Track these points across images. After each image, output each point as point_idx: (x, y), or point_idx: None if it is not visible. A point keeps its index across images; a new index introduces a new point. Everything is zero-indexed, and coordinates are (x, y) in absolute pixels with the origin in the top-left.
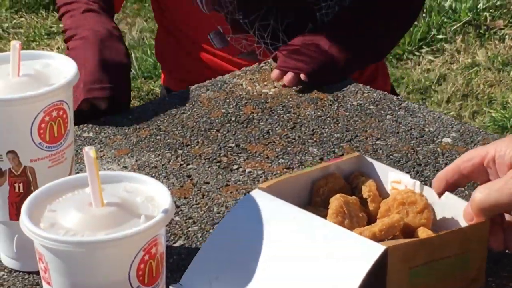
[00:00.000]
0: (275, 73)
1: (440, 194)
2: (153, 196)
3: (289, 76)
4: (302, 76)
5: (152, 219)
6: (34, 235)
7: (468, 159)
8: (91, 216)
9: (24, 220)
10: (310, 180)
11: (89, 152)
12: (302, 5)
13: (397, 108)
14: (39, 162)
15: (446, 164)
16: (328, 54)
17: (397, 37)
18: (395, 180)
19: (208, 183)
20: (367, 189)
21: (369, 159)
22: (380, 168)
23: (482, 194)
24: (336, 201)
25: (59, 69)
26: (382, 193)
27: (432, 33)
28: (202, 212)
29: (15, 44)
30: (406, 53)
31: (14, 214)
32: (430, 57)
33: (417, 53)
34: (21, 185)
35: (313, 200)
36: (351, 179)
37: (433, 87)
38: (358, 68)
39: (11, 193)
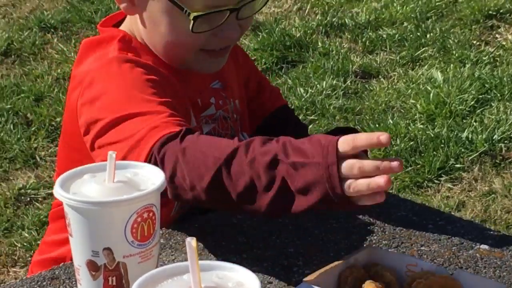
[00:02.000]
0: None
1: None
2: (242, 282)
3: None
4: None
5: None
6: None
7: None
8: None
9: None
10: (337, 271)
11: (191, 242)
12: None
13: (437, 219)
14: (131, 259)
15: (485, 267)
16: None
17: None
18: (411, 263)
19: (271, 282)
20: (388, 274)
21: (381, 250)
22: (393, 255)
23: None
24: (370, 286)
25: (147, 177)
26: (398, 277)
27: (451, 162)
28: None
29: (111, 154)
30: (426, 181)
31: None
32: (449, 185)
33: (436, 181)
34: (114, 278)
35: None
36: (368, 268)
37: (453, 213)
38: None
39: (105, 286)
